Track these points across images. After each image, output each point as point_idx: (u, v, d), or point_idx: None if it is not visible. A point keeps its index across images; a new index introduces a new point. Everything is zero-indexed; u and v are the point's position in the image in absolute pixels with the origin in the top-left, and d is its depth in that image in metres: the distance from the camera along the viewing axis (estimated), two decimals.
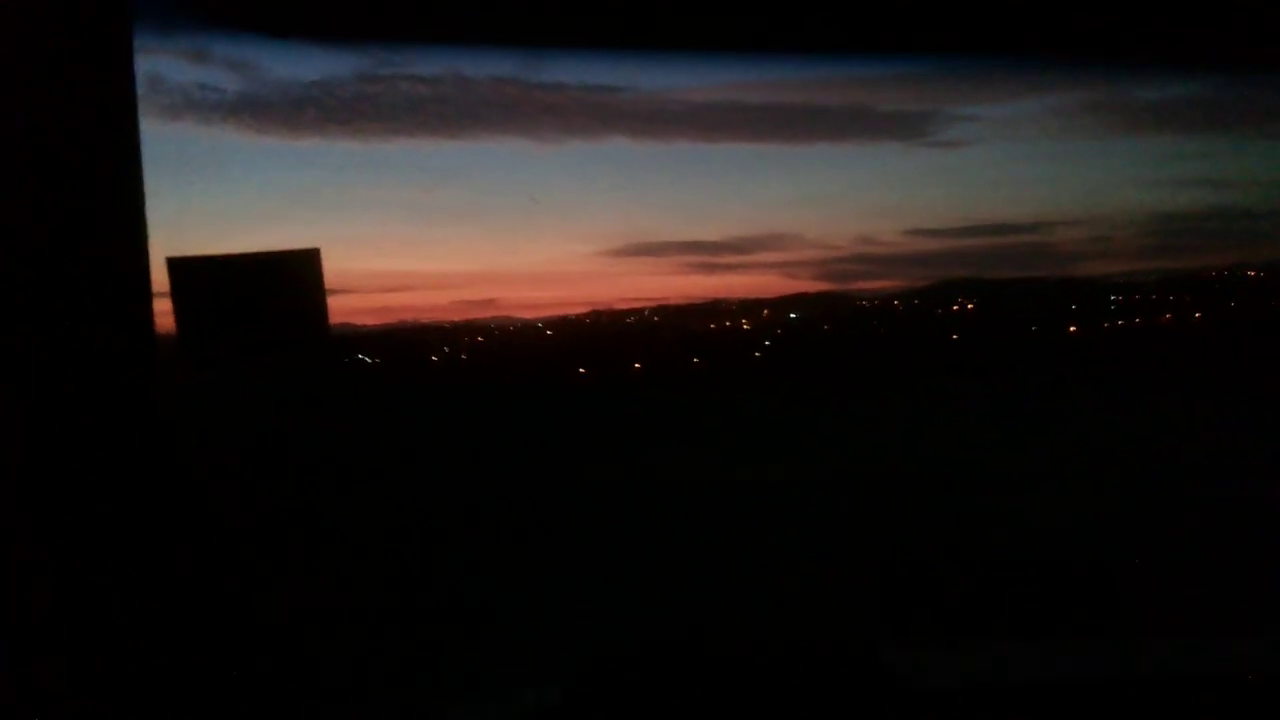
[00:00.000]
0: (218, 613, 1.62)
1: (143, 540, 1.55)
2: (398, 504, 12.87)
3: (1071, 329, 34.98)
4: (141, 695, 1.54)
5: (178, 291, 1.58)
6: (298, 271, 1.67)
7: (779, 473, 14.40)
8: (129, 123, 1.52)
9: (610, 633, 7.02)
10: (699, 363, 38.06)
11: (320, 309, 1.68)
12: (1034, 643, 2.56)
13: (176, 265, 1.59)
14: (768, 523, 10.75)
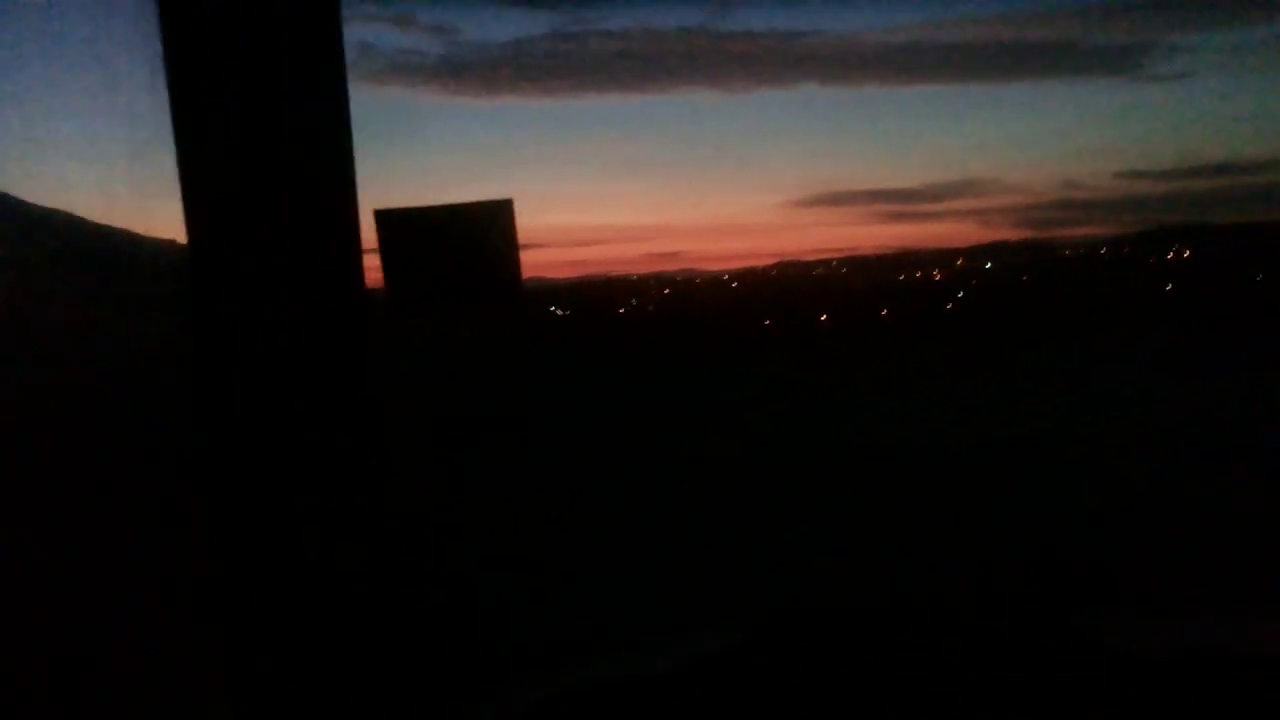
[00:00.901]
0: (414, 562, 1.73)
1: (353, 485, 1.66)
2: (583, 450, 13.24)
3: None
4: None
5: (386, 243, 1.69)
6: (493, 221, 1.75)
7: (968, 431, 13.96)
8: (338, 85, 1.63)
9: (793, 585, 7.05)
10: (887, 315, 37.17)
11: (514, 259, 1.76)
12: (1233, 614, 2.42)
13: (384, 218, 1.70)
14: (953, 480, 10.46)
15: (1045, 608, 1.92)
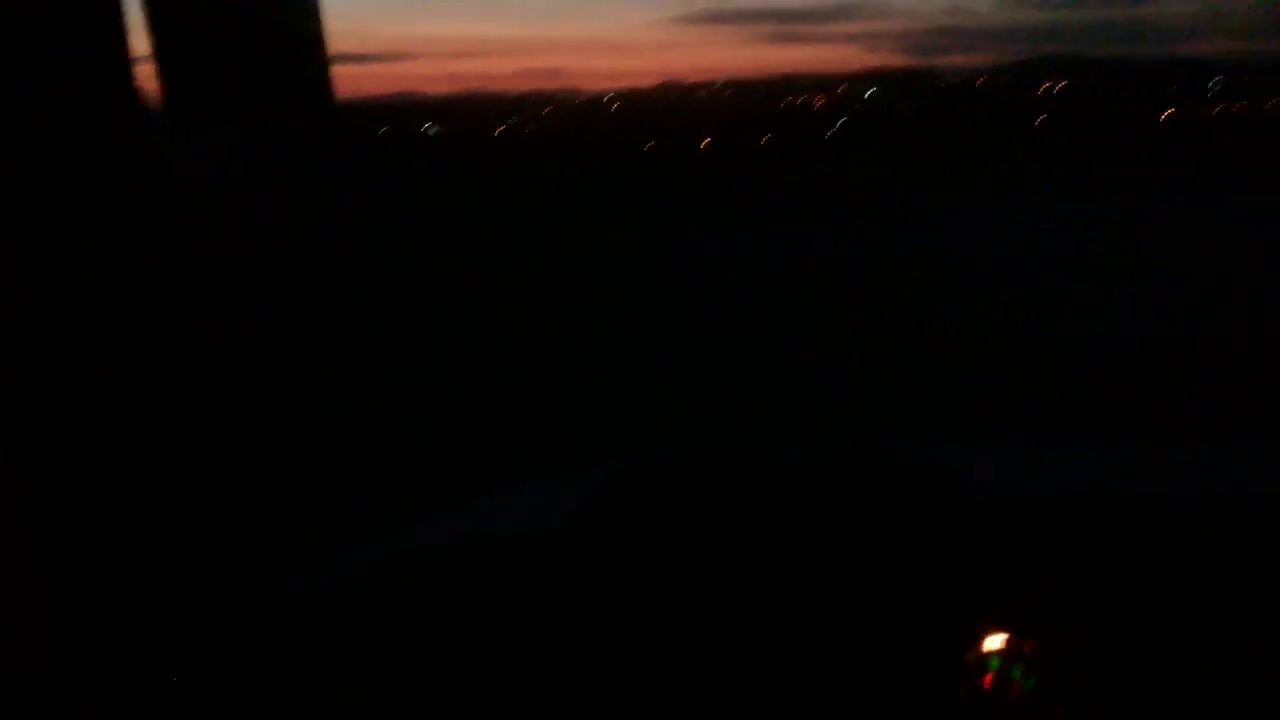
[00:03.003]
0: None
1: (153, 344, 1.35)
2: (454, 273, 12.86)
3: (1167, 113, 33.08)
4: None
5: (157, 34, 1.34)
6: (296, 12, 1.41)
7: (833, 258, 14.05)
8: None
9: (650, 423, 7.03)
10: (769, 140, 37.03)
11: (322, 60, 1.43)
12: (1099, 444, 2.37)
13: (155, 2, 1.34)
14: (813, 311, 10.53)
15: (915, 453, 1.78)
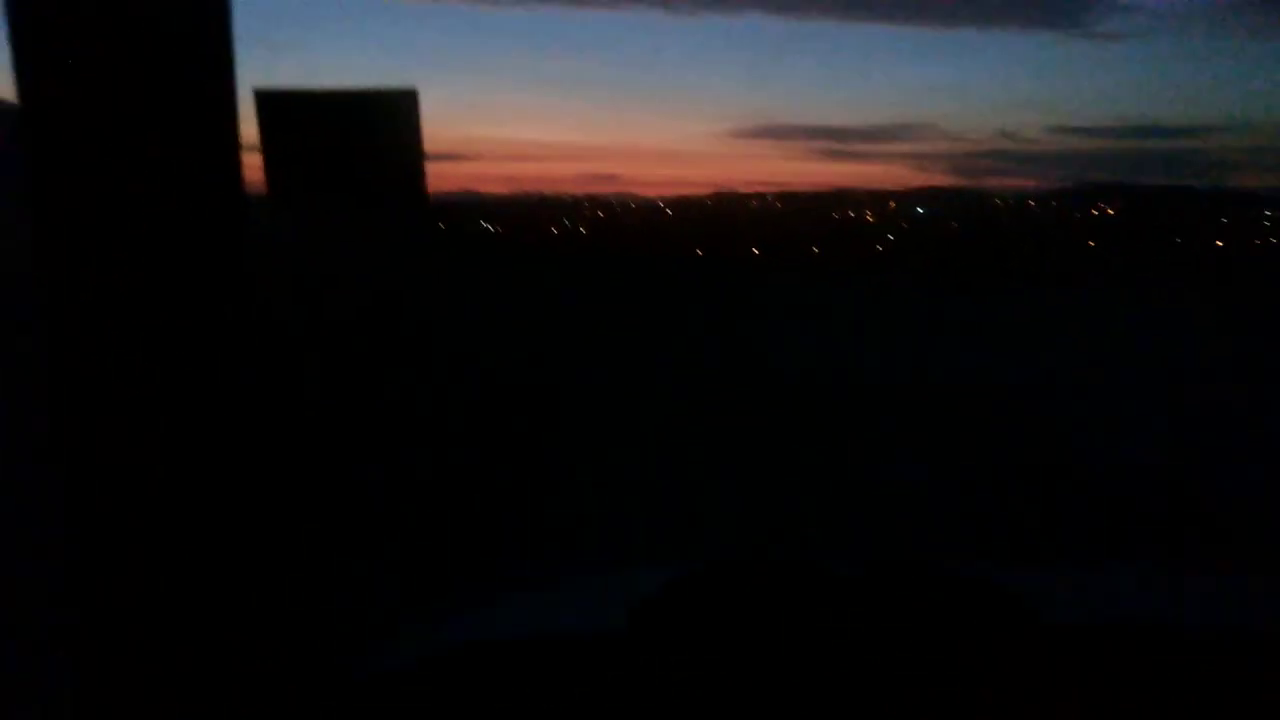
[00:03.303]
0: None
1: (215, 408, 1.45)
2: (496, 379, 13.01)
3: (1219, 243, 33.01)
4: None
5: (266, 127, 1.47)
6: (393, 113, 1.54)
7: (884, 374, 14.05)
8: None
9: (691, 538, 6.99)
10: (819, 252, 37.35)
11: (416, 157, 1.55)
12: (1163, 571, 2.36)
13: (266, 99, 1.47)
14: (864, 426, 10.50)
15: (967, 569, 1.79)
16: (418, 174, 1.55)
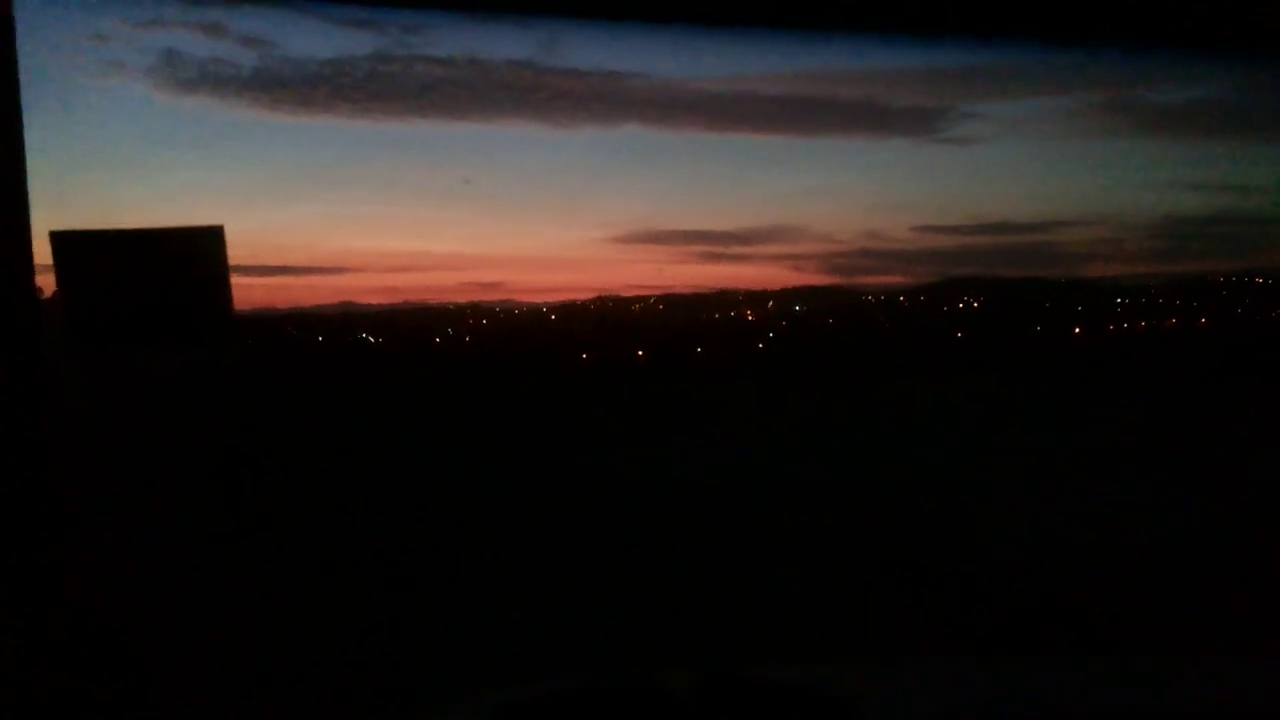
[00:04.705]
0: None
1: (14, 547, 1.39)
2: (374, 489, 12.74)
3: (1077, 330, 34.76)
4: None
5: (62, 268, 1.44)
6: (198, 251, 1.52)
7: (776, 469, 14.25)
8: (6, 88, 1.37)
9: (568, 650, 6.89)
10: (702, 352, 37.91)
11: (223, 293, 1.53)
12: (1033, 663, 2.39)
13: (61, 240, 1.44)
14: (757, 523, 10.58)
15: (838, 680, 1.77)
16: (225, 309, 1.53)
